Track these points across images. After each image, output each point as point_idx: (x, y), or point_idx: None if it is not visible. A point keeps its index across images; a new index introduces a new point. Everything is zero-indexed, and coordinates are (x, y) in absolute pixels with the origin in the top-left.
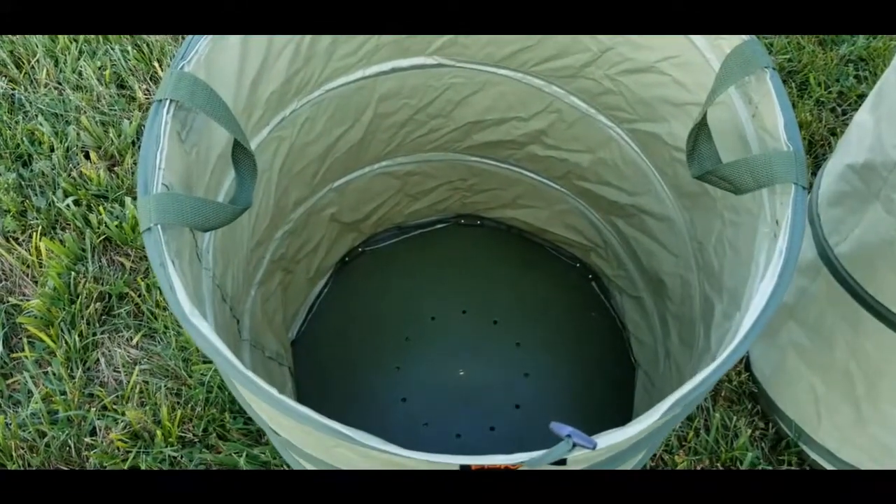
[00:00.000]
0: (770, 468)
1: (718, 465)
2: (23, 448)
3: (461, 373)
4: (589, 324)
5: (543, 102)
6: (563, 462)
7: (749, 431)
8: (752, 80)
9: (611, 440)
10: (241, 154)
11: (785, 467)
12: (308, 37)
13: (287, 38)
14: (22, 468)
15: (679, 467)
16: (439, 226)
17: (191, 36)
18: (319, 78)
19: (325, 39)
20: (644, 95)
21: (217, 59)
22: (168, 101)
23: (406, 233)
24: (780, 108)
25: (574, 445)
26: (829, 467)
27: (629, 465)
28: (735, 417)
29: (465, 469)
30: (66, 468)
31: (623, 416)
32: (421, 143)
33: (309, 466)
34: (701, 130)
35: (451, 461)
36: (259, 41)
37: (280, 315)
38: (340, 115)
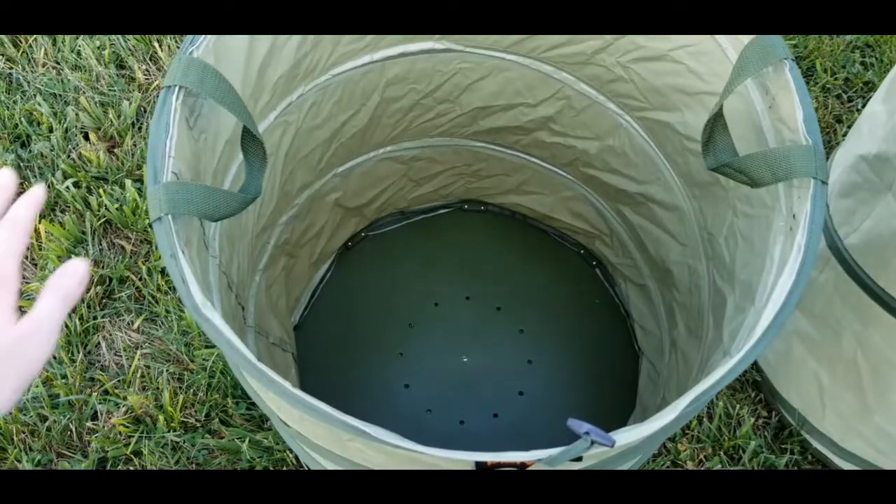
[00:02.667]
0: (773, 457)
1: (721, 452)
2: (24, 432)
3: (464, 359)
4: (592, 311)
5: (552, 89)
6: (579, 459)
7: (752, 420)
8: (769, 72)
9: (628, 438)
10: (250, 142)
11: (788, 456)
12: None
13: None
14: (23, 452)
15: (682, 455)
16: (442, 211)
17: None
18: (327, 62)
19: None
20: (656, 84)
21: (226, 43)
22: (177, 88)
23: (409, 218)
24: (800, 100)
25: (592, 443)
26: (832, 457)
27: (633, 461)
28: (738, 406)
29: (479, 466)
30: (67, 453)
31: (627, 403)
32: (427, 128)
33: (318, 457)
34: (717, 122)
35: (467, 457)
36: None
37: (283, 300)
38: (347, 99)
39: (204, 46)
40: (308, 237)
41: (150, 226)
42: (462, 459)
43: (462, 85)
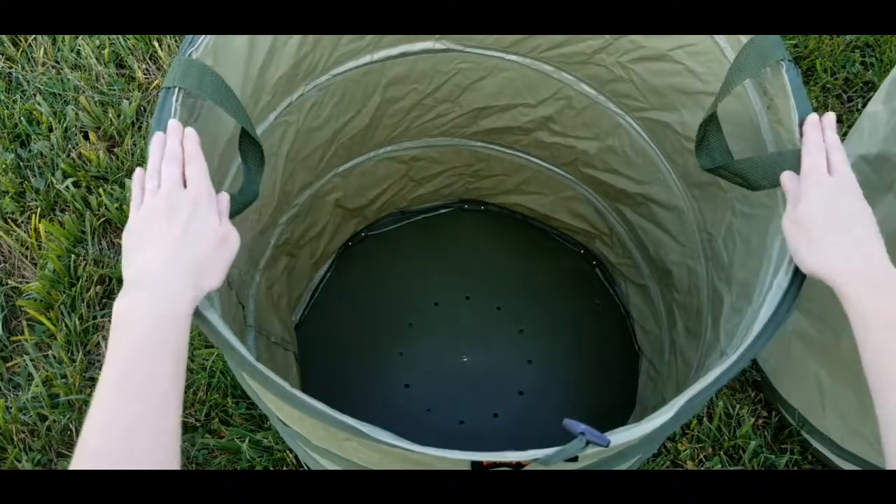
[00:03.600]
0: (773, 457)
1: (721, 452)
2: (24, 432)
3: (464, 359)
4: (592, 311)
5: (552, 89)
6: (574, 459)
7: (752, 420)
8: (767, 73)
9: (624, 438)
10: (248, 144)
11: (788, 456)
12: None
13: None
14: (23, 452)
15: (682, 455)
16: (442, 211)
17: None
18: (327, 62)
19: None
20: (656, 83)
21: (225, 44)
22: (177, 89)
23: (409, 217)
24: (797, 103)
25: (588, 443)
26: (832, 457)
27: (632, 461)
28: (738, 406)
29: (475, 466)
30: (67, 453)
31: (626, 403)
32: (427, 128)
33: (317, 457)
34: (711, 122)
35: (463, 457)
36: None
37: (285, 300)
38: (348, 99)
39: (203, 47)
40: (309, 237)
41: None
42: (457, 459)
43: (462, 85)
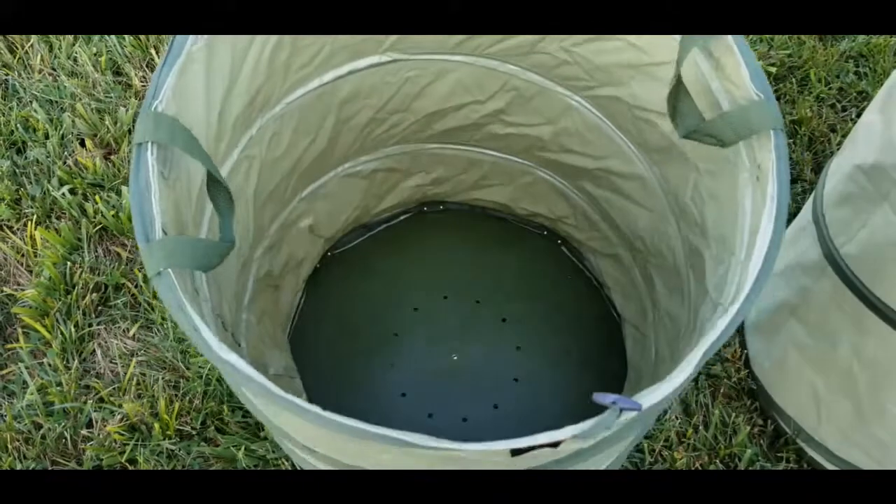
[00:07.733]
0: (769, 465)
1: (717, 461)
2: (18, 440)
3: (454, 357)
4: (567, 287)
5: (499, 82)
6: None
7: (748, 428)
8: (710, 38)
9: (653, 399)
10: (215, 188)
11: (783, 464)
12: (266, 52)
13: (246, 54)
14: (17, 460)
15: (678, 463)
16: (402, 217)
17: (157, 73)
18: (280, 92)
19: (283, 52)
20: (601, 62)
21: (185, 89)
22: (150, 144)
23: (371, 230)
24: (744, 60)
25: (621, 411)
26: (827, 465)
27: (629, 440)
28: (734, 414)
29: (516, 453)
30: (62, 461)
31: (619, 371)
32: (383, 139)
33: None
34: (678, 91)
35: (503, 447)
36: (222, 64)
37: (279, 331)
38: (304, 125)
39: (166, 98)
40: (290, 267)
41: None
42: (498, 450)
43: (412, 93)
